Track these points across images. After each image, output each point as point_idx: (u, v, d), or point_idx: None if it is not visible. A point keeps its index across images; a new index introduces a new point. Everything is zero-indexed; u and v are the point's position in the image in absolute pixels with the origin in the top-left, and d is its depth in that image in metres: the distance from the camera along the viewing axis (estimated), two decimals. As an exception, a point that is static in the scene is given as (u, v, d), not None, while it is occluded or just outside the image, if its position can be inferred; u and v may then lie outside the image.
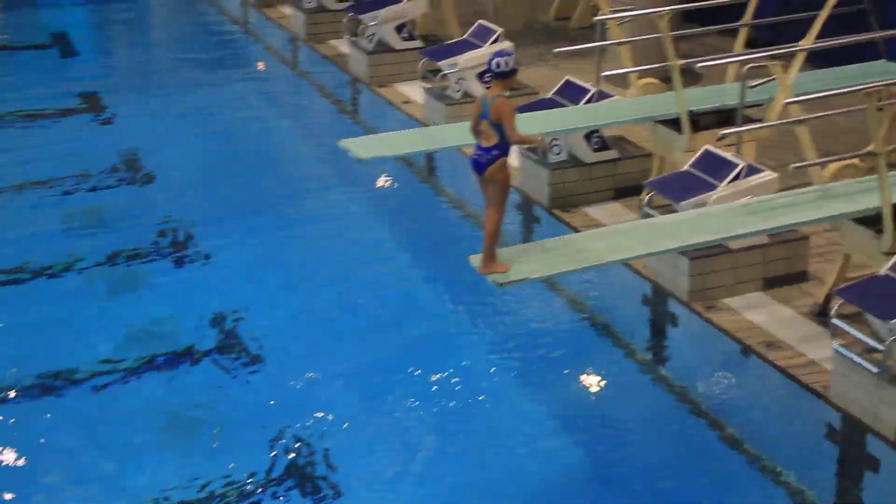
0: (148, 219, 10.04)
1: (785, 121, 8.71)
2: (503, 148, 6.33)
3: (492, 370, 7.73)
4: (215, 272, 9.13)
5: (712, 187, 7.79)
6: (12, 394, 7.49)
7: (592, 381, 7.77)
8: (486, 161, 6.34)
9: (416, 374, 7.64)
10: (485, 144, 6.37)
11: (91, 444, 7.00)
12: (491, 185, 6.40)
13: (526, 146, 6.45)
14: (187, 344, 8.03)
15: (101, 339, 8.12)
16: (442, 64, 11.38)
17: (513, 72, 6.34)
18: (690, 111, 9.00)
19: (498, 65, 6.29)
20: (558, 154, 9.44)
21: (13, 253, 9.45)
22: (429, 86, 11.74)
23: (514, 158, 9.62)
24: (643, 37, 10.49)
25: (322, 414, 7.22)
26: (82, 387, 7.58)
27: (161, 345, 8.02)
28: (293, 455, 6.82)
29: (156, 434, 7.06)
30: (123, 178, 11.02)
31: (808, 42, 9.45)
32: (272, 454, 6.82)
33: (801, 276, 8.04)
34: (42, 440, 7.08)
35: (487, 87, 6.40)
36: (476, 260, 6.57)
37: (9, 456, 6.92)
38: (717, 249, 7.76)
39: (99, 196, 10.63)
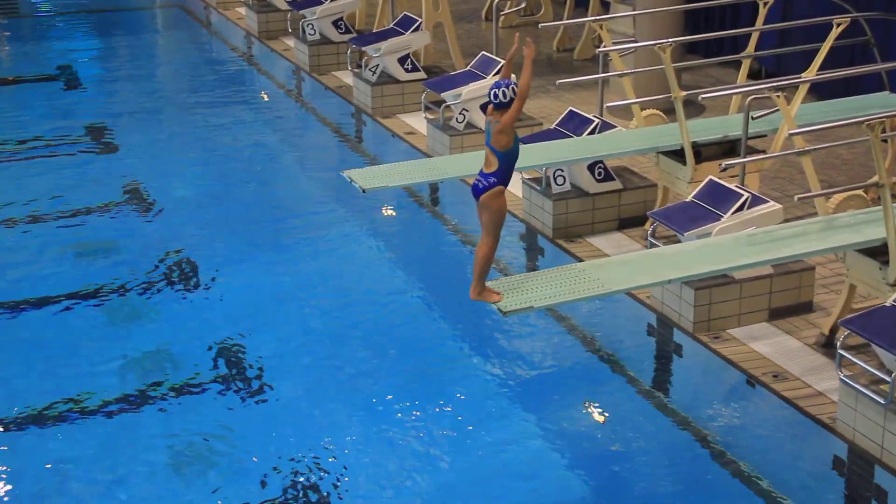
0: (152, 249, 10.04)
1: (788, 151, 8.72)
2: (501, 176, 6.35)
3: (494, 399, 7.69)
4: (219, 301, 9.11)
5: (717, 218, 7.79)
6: (13, 424, 7.45)
7: (596, 412, 7.73)
8: (483, 187, 6.36)
9: (419, 402, 7.60)
10: (485, 171, 6.40)
11: (92, 476, 6.95)
12: (485, 212, 6.42)
13: (529, 67, 6.31)
14: (190, 374, 8.00)
15: (104, 370, 8.09)
16: (445, 95, 11.42)
17: (511, 102, 6.33)
18: (694, 142, 9.01)
19: (496, 95, 6.30)
20: (562, 185, 9.45)
21: (18, 283, 9.45)
22: (432, 117, 11.77)
23: (516, 187, 9.70)
24: (646, 68, 10.54)
25: (326, 442, 7.18)
26: (84, 417, 7.54)
27: (163, 374, 7.99)
28: (297, 484, 6.78)
29: (157, 465, 7.02)
30: (128, 209, 11.02)
31: (811, 73, 9.48)
32: (276, 483, 6.77)
33: (806, 307, 8.02)
34: (42, 471, 7.04)
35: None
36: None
37: (10, 488, 6.87)
38: (721, 280, 7.75)
39: (103, 226, 10.63)
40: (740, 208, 7.78)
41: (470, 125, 11.32)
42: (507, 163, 6.33)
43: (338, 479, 6.82)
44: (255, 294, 9.23)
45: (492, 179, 6.34)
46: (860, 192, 8.39)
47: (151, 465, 7.01)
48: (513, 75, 6.53)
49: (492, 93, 6.30)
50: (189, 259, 9.86)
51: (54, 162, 12.42)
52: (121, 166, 12.27)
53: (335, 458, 7.03)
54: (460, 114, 11.33)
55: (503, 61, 11.23)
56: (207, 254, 9.96)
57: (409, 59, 13.11)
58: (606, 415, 7.67)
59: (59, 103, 14.83)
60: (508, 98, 6.26)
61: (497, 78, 6.59)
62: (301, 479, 6.83)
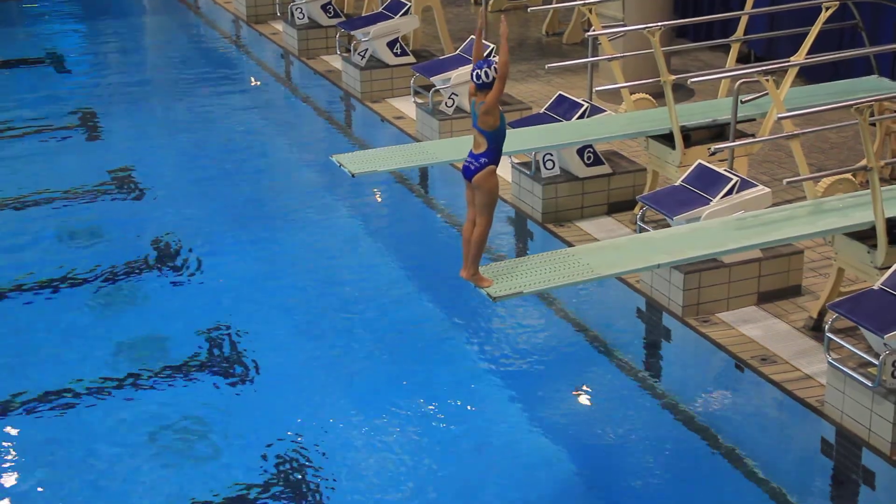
0: (141, 234, 10.03)
1: (777, 135, 8.73)
2: (491, 156, 6.38)
3: (485, 384, 7.71)
4: (208, 287, 9.11)
5: (706, 202, 7.80)
6: (3, 409, 7.45)
7: (586, 396, 7.76)
8: (475, 168, 6.39)
9: (409, 388, 7.62)
10: (475, 152, 6.42)
11: (82, 459, 6.96)
12: (478, 192, 6.45)
13: (505, 46, 6.36)
14: (180, 358, 8.00)
15: (94, 355, 8.09)
16: (434, 79, 11.39)
17: (494, 81, 6.35)
18: (683, 126, 9.01)
19: (478, 76, 6.32)
20: (551, 169, 9.45)
21: (6, 268, 9.42)
22: (421, 101, 11.75)
23: (506, 172, 9.69)
24: (635, 52, 10.53)
25: (316, 428, 7.20)
26: (74, 401, 7.54)
27: (154, 360, 7.99)
28: (286, 471, 6.80)
29: (147, 449, 7.03)
30: (116, 194, 11.00)
31: (800, 57, 9.48)
32: (265, 470, 6.79)
33: (795, 291, 8.05)
34: (34, 454, 7.05)
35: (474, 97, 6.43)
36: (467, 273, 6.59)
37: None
38: (710, 264, 7.77)
39: (92, 211, 10.61)
40: (729, 192, 7.79)
41: (459, 109, 11.30)
42: (495, 142, 6.36)
43: (325, 464, 6.84)
44: (245, 279, 9.23)
45: (483, 160, 6.37)
46: (849, 175, 8.40)
47: (141, 450, 7.02)
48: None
49: (474, 73, 6.33)
50: (178, 244, 9.84)
51: (42, 146, 12.38)
52: (109, 151, 12.23)
53: (324, 442, 7.04)
54: (449, 98, 11.31)
55: (492, 45, 11.28)
56: (197, 239, 9.95)
57: (398, 44, 13.08)
58: (595, 398, 7.70)
59: (47, 87, 14.76)
60: (491, 78, 6.29)
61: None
62: (289, 462, 6.85)
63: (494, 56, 11.17)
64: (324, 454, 6.93)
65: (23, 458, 7.05)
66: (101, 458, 6.96)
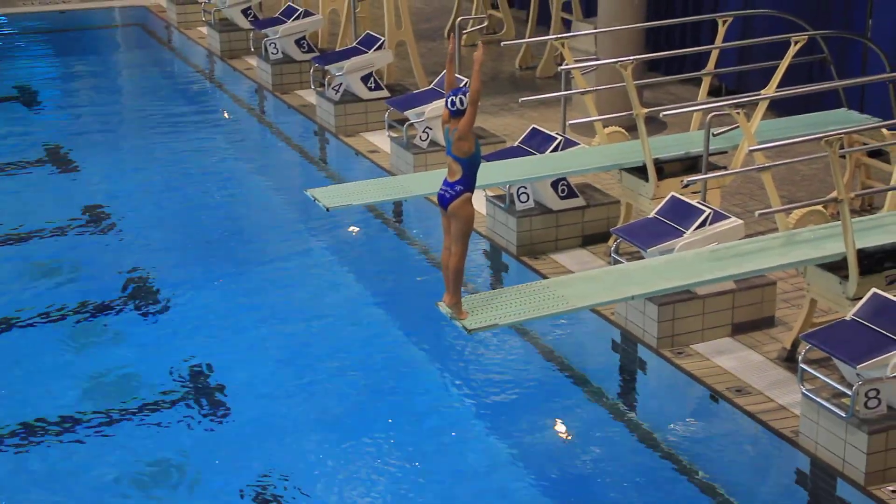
0: (113, 269, 9.96)
1: (749, 168, 8.80)
2: (466, 183, 6.42)
3: (459, 417, 7.69)
4: (181, 322, 9.05)
5: (679, 234, 7.84)
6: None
7: (561, 428, 7.74)
8: (451, 196, 6.42)
9: (383, 420, 7.58)
10: (450, 180, 6.45)
11: (55, 498, 6.87)
12: (454, 220, 6.48)
13: (477, 72, 6.41)
14: (153, 394, 7.93)
15: (65, 391, 8.01)
16: (408, 113, 11.43)
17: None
18: (656, 159, 9.08)
19: (452, 102, 6.40)
20: (525, 202, 9.48)
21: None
22: (395, 135, 11.78)
23: (480, 205, 9.72)
24: (608, 86, 10.61)
25: (289, 461, 7.14)
26: (45, 439, 7.45)
27: (126, 395, 7.92)
28: (261, 506, 6.75)
29: (121, 486, 6.95)
30: (88, 229, 10.93)
31: (770, 90, 9.58)
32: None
33: (768, 322, 8.08)
34: (4, 493, 6.95)
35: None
36: (444, 306, 6.59)
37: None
38: (684, 295, 7.80)
39: (64, 247, 10.53)
40: (702, 224, 7.84)
41: (433, 143, 11.33)
42: (470, 169, 6.40)
43: (301, 501, 6.78)
44: (218, 315, 9.18)
45: (458, 188, 6.41)
46: (820, 207, 8.47)
47: (113, 489, 6.93)
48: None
49: (449, 100, 6.39)
50: (150, 280, 9.78)
51: (13, 182, 12.31)
52: (81, 186, 12.17)
53: (298, 482, 6.98)
54: (423, 132, 11.35)
55: (465, 79, 11.32)
56: (169, 275, 9.89)
57: (372, 78, 13.13)
58: (571, 431, 7.69)
59: (18, 123, 14.70)
60: (466, 105, 6.34)
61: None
62: (264, 500, 6.78)
63: (467, 89, 11.19)
64: (299, 490, 6.87)
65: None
66: (70, 498, 6.86)
